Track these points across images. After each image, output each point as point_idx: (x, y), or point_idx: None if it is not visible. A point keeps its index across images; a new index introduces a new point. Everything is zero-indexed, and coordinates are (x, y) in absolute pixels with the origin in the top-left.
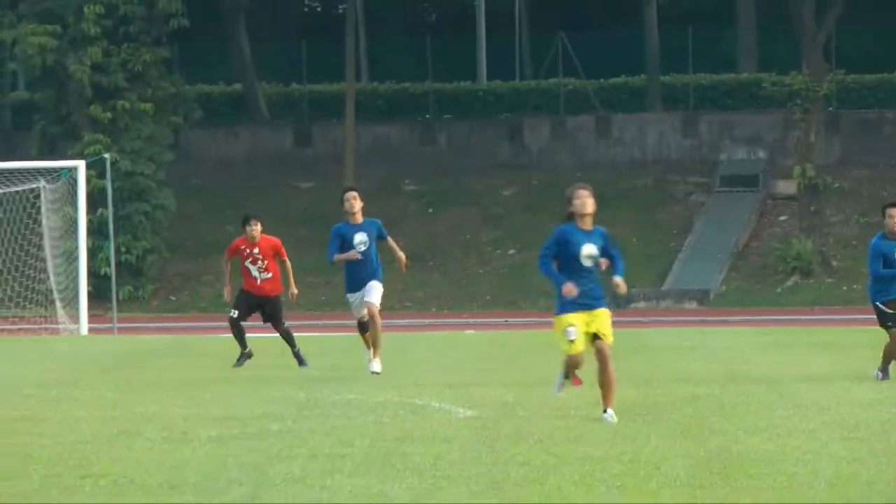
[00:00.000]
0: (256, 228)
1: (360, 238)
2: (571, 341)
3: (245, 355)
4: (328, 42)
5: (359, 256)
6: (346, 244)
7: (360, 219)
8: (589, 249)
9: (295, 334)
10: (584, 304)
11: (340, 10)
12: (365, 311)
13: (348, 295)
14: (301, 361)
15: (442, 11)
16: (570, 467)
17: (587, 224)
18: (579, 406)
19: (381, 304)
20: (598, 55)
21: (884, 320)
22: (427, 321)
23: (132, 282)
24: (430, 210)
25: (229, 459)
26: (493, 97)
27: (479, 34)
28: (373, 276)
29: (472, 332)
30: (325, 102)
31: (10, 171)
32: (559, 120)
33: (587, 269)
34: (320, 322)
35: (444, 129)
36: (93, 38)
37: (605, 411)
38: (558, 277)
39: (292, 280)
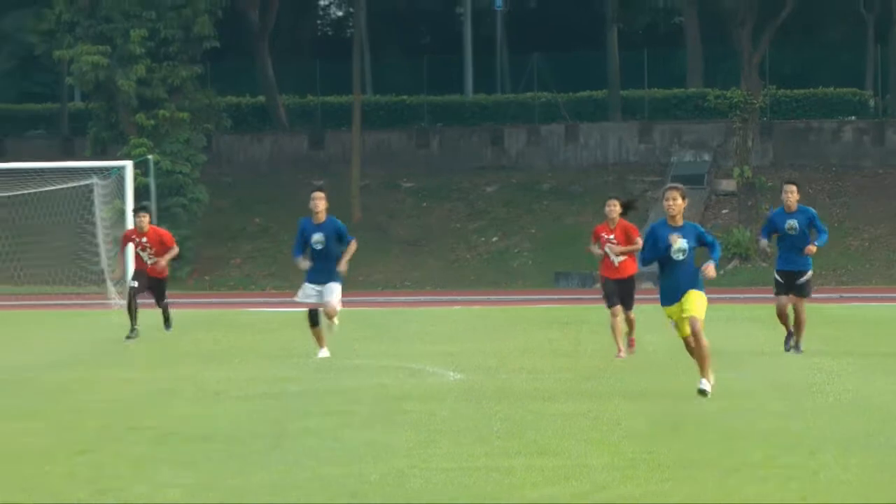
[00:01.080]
0: (144, 220)
1: (317, 237)
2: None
3: (134, 332)
4: (338, 61)
5: (307, 266)
6: (306, 241)
7: (322, 218)
8: (678, 244)
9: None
10: (678, 297)
11: (348, 34)
12: (319, 303)
13: (305, 283)
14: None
15: (434, 35)
16: (545, 422)
17: (677, 222)
18: (552, 370)
19: (344, 290)
20: (568, 73)
21: (776, 289)
22: (422, 298)
23: (171, 264)
24: (424, 204)
25: (255, 415)
26: (478, 108)
27: (465, 55)
28: (332, 276)
29: (460, 308)
30: (335, 112)
31: (69, 170)
32: (534, 128)
33: (680, 262)
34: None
35: (436, 135)
36: (138, 57)
37: (700, 381)
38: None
39: (166, 259)
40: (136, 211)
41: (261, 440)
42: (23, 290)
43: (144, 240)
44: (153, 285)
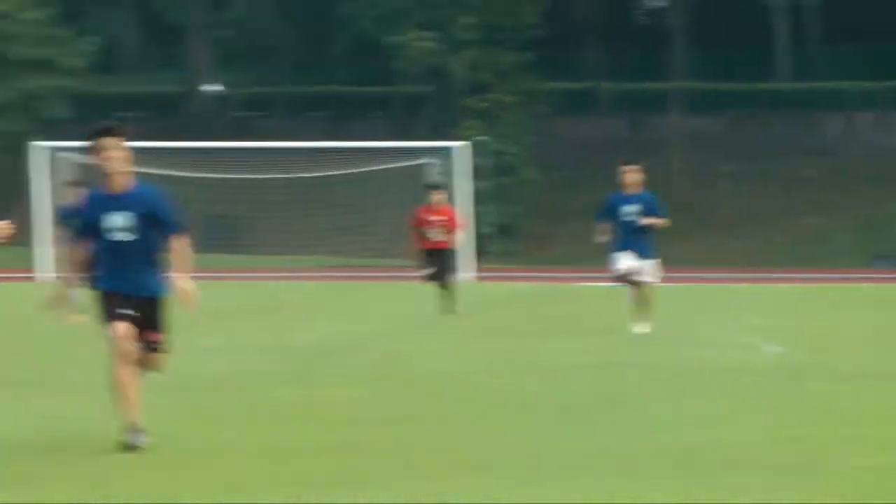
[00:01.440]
0: (439, 197)
1: (630, 209)
2: None
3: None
4: (656, 49)
5: (605, 237)
6: (615, 211)
7: (636, 190)
8: None
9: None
10: None
11: (667, 23)
12: (627, 267)
13: (614, 254)
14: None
15: (748, 24)
16: (861, 396)
17: None
18: (868, 347)
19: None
20: (883, 61)
21: None
22: (741, 276)
23: (505, 239)
24: (742, 187)
25: (580, 385)
26: (793, 95)
27: (779, 43)
28: (644, 249)
29: (778, 285)
30: (653, 98)
31: (405, 150)
32: (849, 115)
33: None
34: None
35: (750, 121)
36: (467, 43)
37: None
38: None
39: (458, 237)
40: (430, 188)
41: (586, 409)
42: (357, 263)
43: (436, 218)
44: (438, 255)
